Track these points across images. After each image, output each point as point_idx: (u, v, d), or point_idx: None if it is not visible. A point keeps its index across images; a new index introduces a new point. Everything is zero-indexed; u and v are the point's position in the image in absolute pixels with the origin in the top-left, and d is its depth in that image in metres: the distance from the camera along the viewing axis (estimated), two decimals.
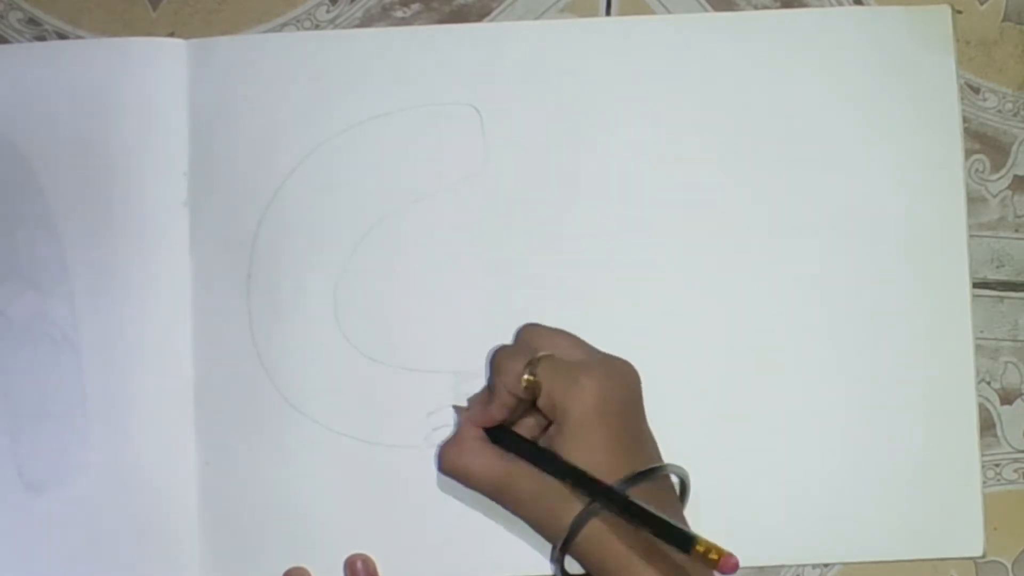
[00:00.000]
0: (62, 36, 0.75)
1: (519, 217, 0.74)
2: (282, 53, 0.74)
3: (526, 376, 0.65)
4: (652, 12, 0.75)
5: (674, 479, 0.66)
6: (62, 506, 0.72)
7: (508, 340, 0.70)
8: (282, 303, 0.73)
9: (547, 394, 0.65)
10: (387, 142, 0.74)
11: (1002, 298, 0.75)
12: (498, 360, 0.67)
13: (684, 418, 0.73)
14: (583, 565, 0.64)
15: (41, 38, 0.75)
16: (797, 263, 0.73)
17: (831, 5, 0.75)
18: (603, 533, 0.63)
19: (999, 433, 0.74)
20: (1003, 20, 0.76)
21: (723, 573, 0.58)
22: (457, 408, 0.71)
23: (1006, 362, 0.74)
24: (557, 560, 0.64)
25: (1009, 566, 0.73)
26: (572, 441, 0.64)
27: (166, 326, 0.73)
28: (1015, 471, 0.74)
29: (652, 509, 0.61)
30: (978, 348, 0.74)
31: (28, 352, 0.72)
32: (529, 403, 0.66)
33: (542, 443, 0.66)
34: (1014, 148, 0.75)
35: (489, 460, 0.66)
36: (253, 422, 0.72)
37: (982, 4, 0.76)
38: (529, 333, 0.69)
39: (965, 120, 0.75)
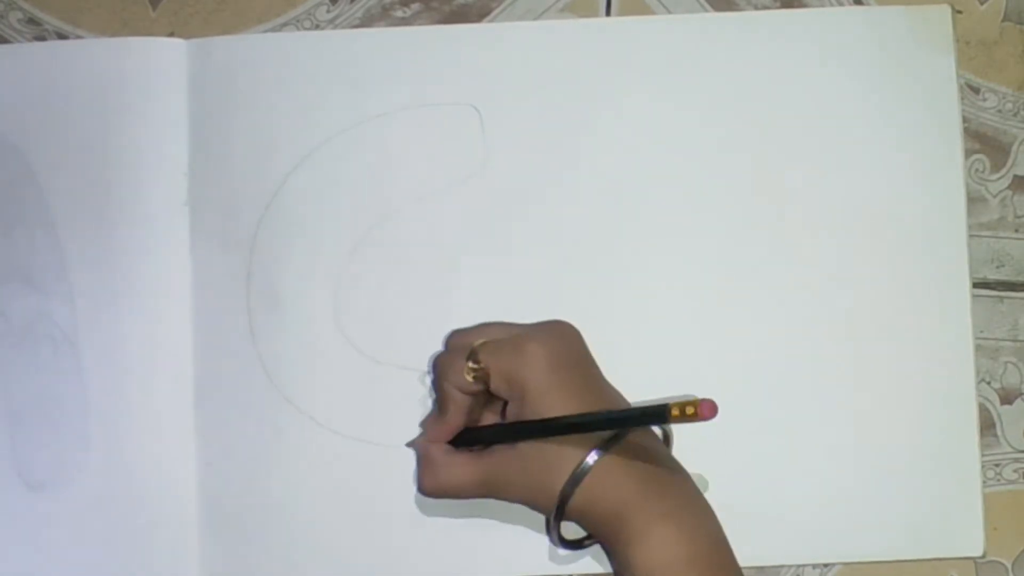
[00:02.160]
0: (62, 36, 0.75)
1: (519, 217, 0.73)
2: (282, 53, 0.74)
3: (471, 365, 0.65)
4: (652, 12, 0.75)
5: (657, 431, 0.67)
6: (62, 506, 0.72)
7: None
8: (282, 303, 0.73)
9: (497, 374, 0.65)
10: (387, 142, 0.74)
11: (1002, 298, 0.75)
12: (439, 364, 0.68)
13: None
14: (583, 526, 0.65)
15: (41, 38, 0.75)
16: (797, 263, 0.73)
17: (831, 5, 0.75)
18: (596, 488, 0.63)
19: (999, 433, 0.74)
20: (1003, 20, 0.76)
21: (707, 419, 0.57)
22: (411, 441, 0.71)
23: (1006, 362, 0.74)
24: (554, 527, 0.64)
25: (1009, 566, 0.73)
26: (538, 406, 0.64)
27: (166, 326, 0.73)
28: (1015, 471, 0.74)
29: (626, 407, 0.63)
30: (978, 348, 0.74)
31: (28, 352, 0.72)
32: (481, 401, 0.67)
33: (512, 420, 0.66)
34: (1014, 148, 0.75)
35: (464, 466, 0.67)
36: (253, 422, 0.72)
37: (982, 4, 0.76)
38: (458, 334, 0.69)
39: (965, 120, 0.75)
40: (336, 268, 0.73)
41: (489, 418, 0.68)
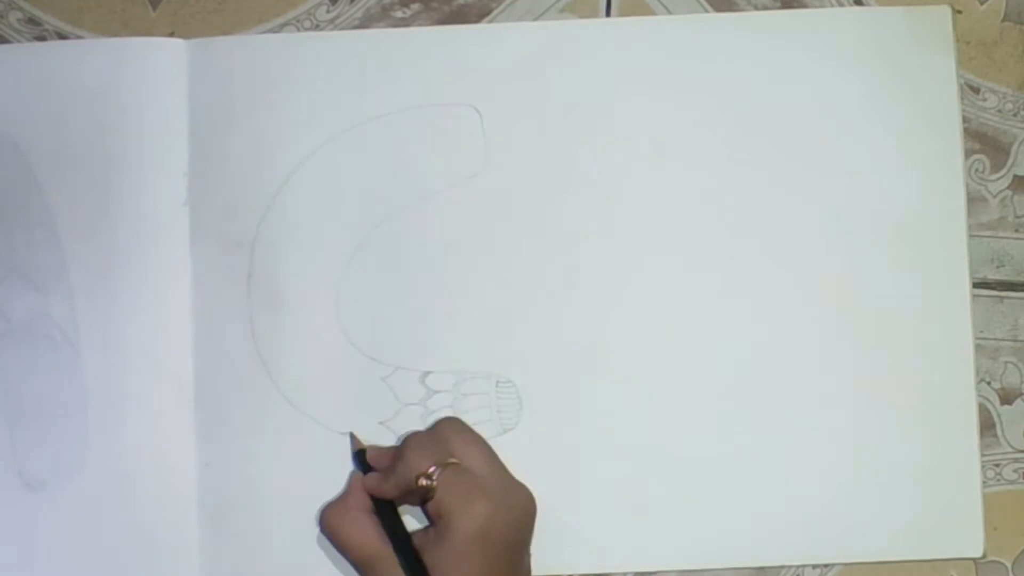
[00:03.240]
0: (62, 36, 0.75)
1: (519, 217, 0.73)
2: (282, 53, 0.74)
3: (423, 481, 0.65)
4: (652, 13, 0.75)
5: None
6: (62, 506, 0.72)
7: (508, 339, 0.71)
8: (283, 303, 0.73)
9: (438, 503, 0.65)
10: (387, 143, 0.74)
11: (1002, 298, 0.75)
12: (407, 449, 0.68)
13: (684, 418, 0.73)
14: None
15: (41, 38, 0.75)
16: (797, 263, 0.73)
17: (831, 5, 0.75)
18: None
19: (999, 433, 0.74)
20: (1003, 20, 0.76)
21: None
22: (354, 473, 0.71)
23: (1006, 362, 0.74)
24: None
25: (1009, 566, 0.73)
26: (445, 559, 0.64)
27: (166, 326, 0.73)
28: (1015, 471, 0.74)
29: None
30: (978, 348, 0.74)
31: (28, 352, 0.72)
32: (421, 500, 0.67)
33: (417, 541, 0.67)
34: (1014, 148, 0.75)
35: (366, 535, 0.67)
36: (253, 422, 0.72)
37: (982, 4, 0.76)
38: (446, 430, 0.69)
39: (965, 120, 0.75)
40: (336, 268, 0.73)
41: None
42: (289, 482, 0.72)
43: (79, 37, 0.75)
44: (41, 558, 0.72)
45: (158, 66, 0.74)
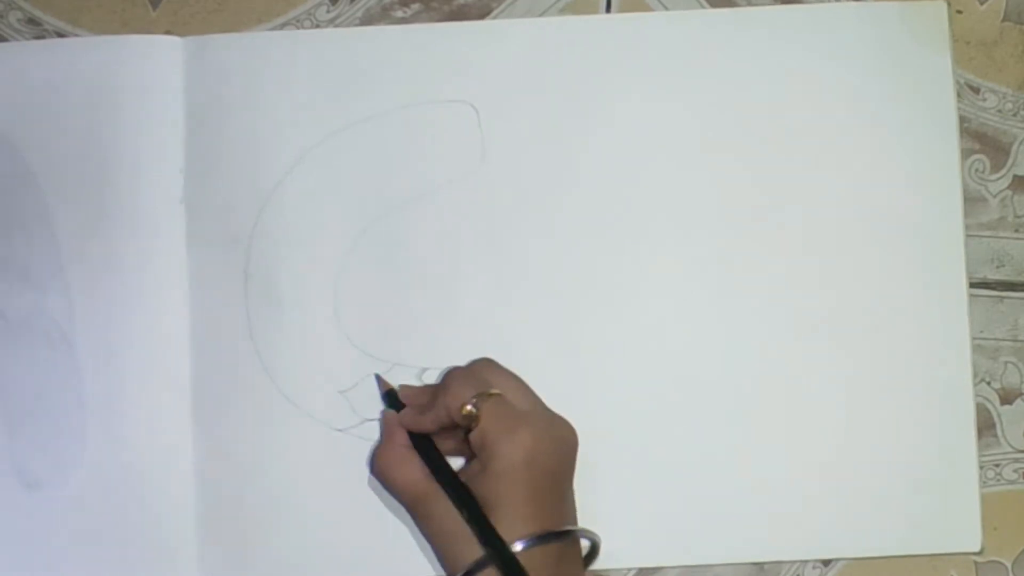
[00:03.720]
0: (62, 36, 0.75)
1: (517, 214, 0.73)
2: (279, 50, 0.74)
3: (469, 407, 0.65)
4: (651, 10, 0.75)
5: (585, 543, 0.66)
6: (59, 504, 0.72)
7: (505, 336, 0.71)
8: (280, 300, 0.73)
9: (482, 432, 0.65)
10: (384, 140, 0.74)
11: (1002, 298, 0.75)
12: (449, 380, 0.67)
13: (683, 416, 0.73)
14: None
15: (41, 38, 0.75)
16: (794, 261, 0.73)
17: (829, 1, 0.75)
18: None
19: (999, 433, 0.74)
20: (1003, 20, 0.76)
21: None
22: (385, 414, 0.71)
23: (1006, 362, 0.74)
24: None
25: (1009, 566, 0.73)
26: (491, 487, 0.64)
27: (163, 324, 0.73)
28: (1015, 471, 0.74)
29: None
30: (978, 348, 0.74)
31: (25, 350, 0.72)
32: (464, 431, 0.66)
33: (461, 474, 0.66)
34: (1014, 148, 0.75)
35: (415, 474, 0.67)
36: (252, 420, 0.72)
37: (982, 4, 0.76)
38: (484, 368, 0.69)
39: (965, 120, 0.75)
40: (334, 265, 0.73)
41: (453, 441, 0.68)
42: (287, 479, 0.72)
43: (79, 37, 0.75)
44: (39, 556, 0.72)
45: (154, 63, 0.74)
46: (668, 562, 0.72)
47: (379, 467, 0.68)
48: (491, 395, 0.66)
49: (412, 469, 0.67)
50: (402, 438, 0.68)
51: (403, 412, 0.69)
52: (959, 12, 0.75)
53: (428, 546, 0.71)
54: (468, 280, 0.73)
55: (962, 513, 0.72)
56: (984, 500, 0.72)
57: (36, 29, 0.75)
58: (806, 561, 0.73)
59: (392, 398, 0.71)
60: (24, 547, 0.72)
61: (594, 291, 0.73)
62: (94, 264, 0.73)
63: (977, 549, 0.72)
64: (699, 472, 0.72)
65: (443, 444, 0.68)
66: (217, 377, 0.72)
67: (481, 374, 0.68)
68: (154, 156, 0.73)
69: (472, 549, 0.63)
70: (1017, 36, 0.76)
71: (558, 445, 0.66)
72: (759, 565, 0.72)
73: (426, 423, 0.67)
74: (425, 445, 0.68)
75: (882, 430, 0.72)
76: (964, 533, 0.72)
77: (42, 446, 0.72)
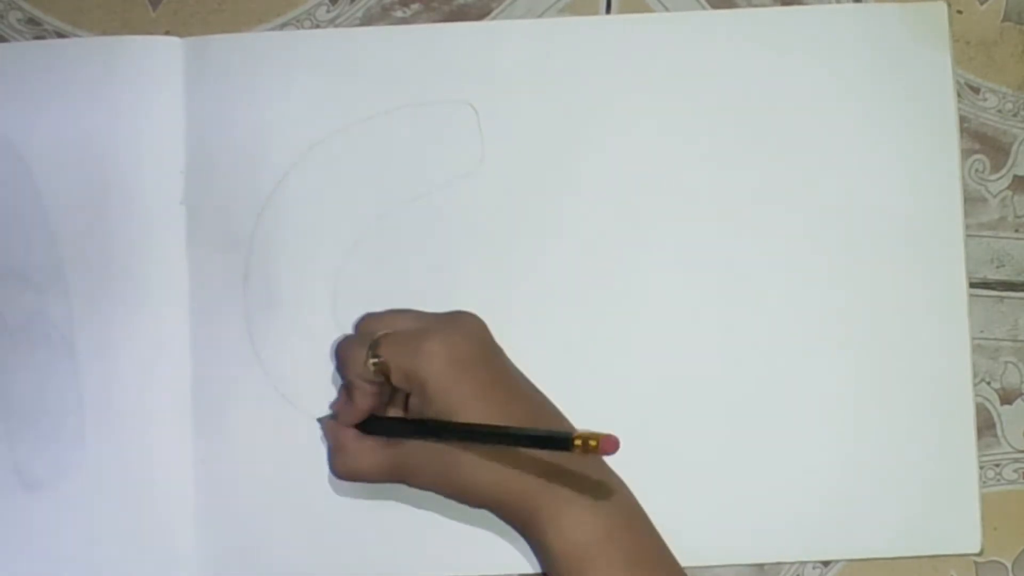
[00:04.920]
0: (62, 36, 0.75)
1: (516, 215, 0.73)
2: (279, 51, 0.74)
3: (371, 363, 0.65)
4: (651, 10, 0.75)
5: None
6: (59, 505, 0.72)
7: (504, 337, 0.70)
8: (280, 302, 0.73)
9: (396, 369, 0.65)
10: (384, 140, 0.74)
11: (1002, 298, 0.75)
12: (341, 352, 0.68)
13: (684, 416, 0.73)
14: (498, 516, 0.66)
15: (41, 38, 0.75)
16: (793, 262, 0.73)
17: (829, 2, 0.75)
18: (502, 481, 0.64)
19: (999, 433, 0.74)
20: (1003, 20, 0.76)
21: (608, 454, 0.57)
22: (322, 420, 0.71)
23: (1006, 362, 0.74)
24: None
25: (1009, 566, 0.73)
26: (439, 404, 0.64)
27: (163, 325, 0.73)
28: (1015, 471, 0.74)
29: (527, 428, 0.62)
30: (978, 348, 0.74)
31: (24, 352, 0.72)
32: (388, 386, 0.66)
33: (411, 416, 0.67)
34: (1014, 148, 0.75)
35: (374, 453, 0.67)
36: (251, 421, 0.72)
37: (982, 4, 0.76)
38: (367, 321, 0.69)
39: (965, 120, 0.75)
40: (334, 266, 0.73)
41: (398, 401, 0.68)
42: (286, 480, 0.72)
43: (78, 37, 0.75)
44: (38, 557, 0.72)
45: (154, 64, 0.74)
46: None
47: (342, 472, 0.69)
48: (382, 336, 0.66)
49: (372, 452, 0.67)
50: (348, 435, 0.68)
51: (334, 414, 0.70)
52: (959, 12, 0.75)
53: (428, 546, 0.72)
54: (468, 280, 0.73)
55: (962, 513, 0.72)
56: (984, 500, 0.72)
57: (36, 29, 0.75)
58: (806, 562, 0.73)
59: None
60: (24, 547, 0.72)
61: (594, 291, 0.73)
62: (94, 265, 0.73)
63: (977, 550, 0.72)
64: (699, 472, 0.72)
65: (380, 399, 0.68)
66: (217, 377, 0.72)
67: (365, 329, 0.69)
68: (154, 157, 0.73)
69: (463, 462, 0.64)
70: (1017, 36, 0.76)
71: (467, 336, 0.66)
72: (759, 566, 0.72)
73: (358, 406, 0.67)
74: (375, 426, 0.68)
75: (882, 430, 0.72)
76: (964, 533, 0.72)
77: (41, 446, 0.72)
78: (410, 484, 0.67)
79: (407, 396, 0.67)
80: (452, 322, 0.67)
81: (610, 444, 0.57)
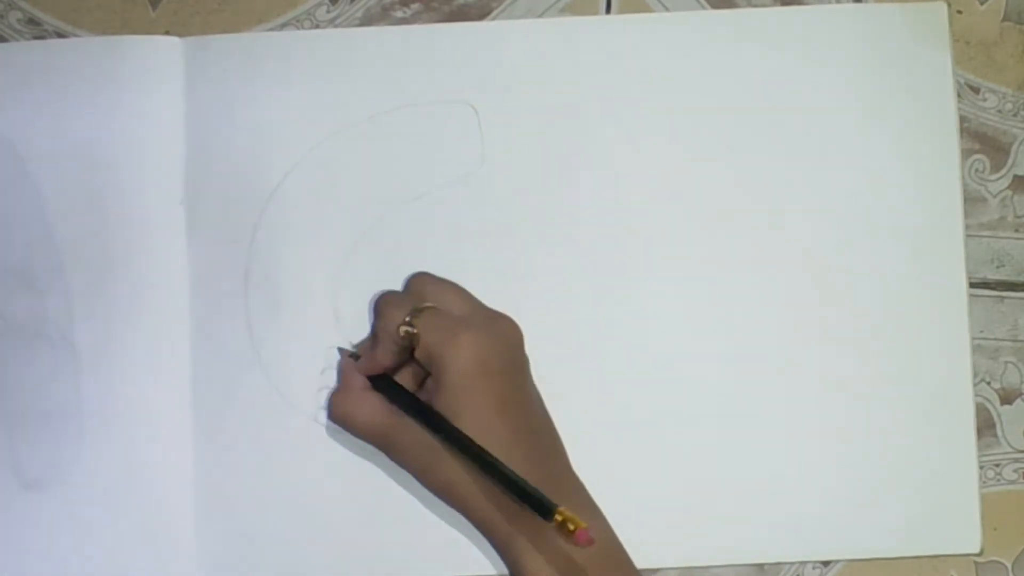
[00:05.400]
0: (62, 36, 0.75)
1: (517, 215, 0.73)
2: (279, 51, 0.74)
3: (404, 329, 0.65)
4: (651, 10, 0.75)
5: None
6: (59, 505, 0.72)
7: None
8: (280, 302, 0.73)
9: (424, 347, 0.64)
10: (384, 140, 0.74)
11: (1002, 298, 0.75)
12: (380, 306, 0.67)
13: (683, 416, 0.73)
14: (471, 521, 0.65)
15: (41, 38, 0.75)
16: (793, 262, 0.73)
17: (829, 2, 0.75)
18: (471, 499, 0.64)
19: (999, 433, 0.74)
20: (1003, 20, 0.76)
21: (577, 544, 0.58)
22: (341, 351, 0.71)
23: (1006, 362, 0.74)
24: None
25: (1009, 566, 0.73)
26: (449, 398, 0.63)
27: (163, 325, 0.73)
28: (1015, 471, 0.74)
29: (518, 477, 0.61)
30: (978, 348, 0.74)
31: (24, 351, 0.72)
32: (409, 352, 0.66)
33: (421, 395, 0.66)
34: (1014, 148, 0.75)
35: (375, 410, 0.67)
36: (251, 422, 0.72)
37: (982, 4, 0.76)
38: (418, 283, 0.69)
39: (965, 120, 0.75)
40: (334, 266, 0.73)
41: (412, 372, 0.68)
42: (287, 479, 0.72)
43: (79, 38, 0.75)
44: (38, 557, 0.72)
45: (154, 64, 0.74)
46: (668, 563, 0.72)
47: (338, 413, 0.68)
48: (425, 308, 0.65)
49: (372, 408, 0.67)
50: (358, 381, 0.68)
51: (360, 361, 0.69)
52: (959, 12, 0.75)
53: (428, 546, 0.71)
54: (468, 280, 0.73)
55: (962, 513, 0.72)
56: (984, 500, 0.72)
57: (36, 29, 0.75)
58: (806, 562, 0.73)
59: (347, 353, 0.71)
60: (23, 548, 0.72)
61: (594, 291, 0.73)
62: (94, 265, 0.73)
63: (977, 550, 0.72)
64: (699, 473, 0.72)
65: (410, 380, 0.68)
66: (217, 377, 0.72)
67: (413, 290, 0.68)
68: (154, 157, 0.73)
69: (446, 462, 0.63)
70: (1017, 36, 0.76)
71: (502, 342, 0.65)
72: (759, 566, 0.72)
73: (378, 359, 0.67)
74: (387, 385, 0.67)
75: (882, 430, 0.72)
76: (964, 533, 0.72)
77: (41, 446, 0.72)
78: (391, 458, 0.67)
79: (428, 373, 0.67)
80: (492, 322, 0.66)
81: (583, 537, 0.58)
